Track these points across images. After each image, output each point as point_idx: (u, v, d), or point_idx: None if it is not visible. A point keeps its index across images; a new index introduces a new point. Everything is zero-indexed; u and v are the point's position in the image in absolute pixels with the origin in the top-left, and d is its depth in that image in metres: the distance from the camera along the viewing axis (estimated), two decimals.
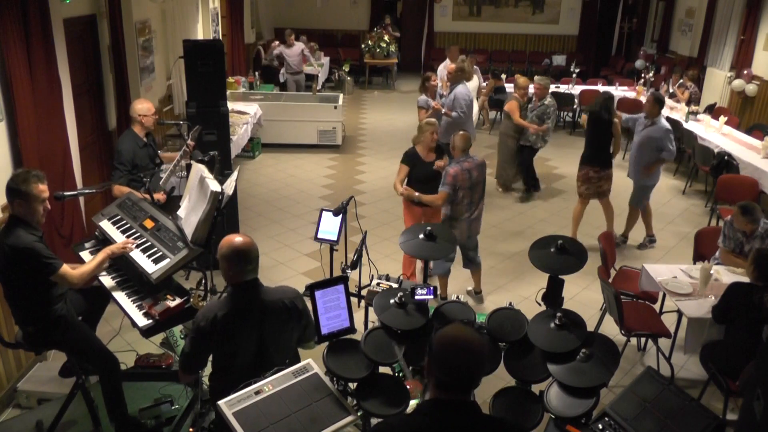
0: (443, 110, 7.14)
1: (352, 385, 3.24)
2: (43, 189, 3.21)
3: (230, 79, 9.94)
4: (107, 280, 3.65)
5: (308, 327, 3.06)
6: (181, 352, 2.91)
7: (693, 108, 9.24)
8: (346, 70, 13.96)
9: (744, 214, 4.64)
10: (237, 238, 2.84)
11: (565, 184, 8.50)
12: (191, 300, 3.34)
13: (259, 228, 6.75)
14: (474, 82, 8.75)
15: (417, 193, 5.12)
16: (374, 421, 3.15)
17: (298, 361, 2.92)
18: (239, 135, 7.87)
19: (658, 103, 6.17)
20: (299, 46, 11.72)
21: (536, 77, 7.72)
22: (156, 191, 4.44)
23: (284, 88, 11.65)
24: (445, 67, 8.81)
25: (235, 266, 2.80)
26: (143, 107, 4.77)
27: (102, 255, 3.49)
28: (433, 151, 5.33)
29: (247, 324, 2.81)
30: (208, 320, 2.76)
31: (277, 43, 12.20)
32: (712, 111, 9.81)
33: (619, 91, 10.99)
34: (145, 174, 4.60)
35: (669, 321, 4.65)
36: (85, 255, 3.87)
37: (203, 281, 3.59)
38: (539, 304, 3.99)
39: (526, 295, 5.33)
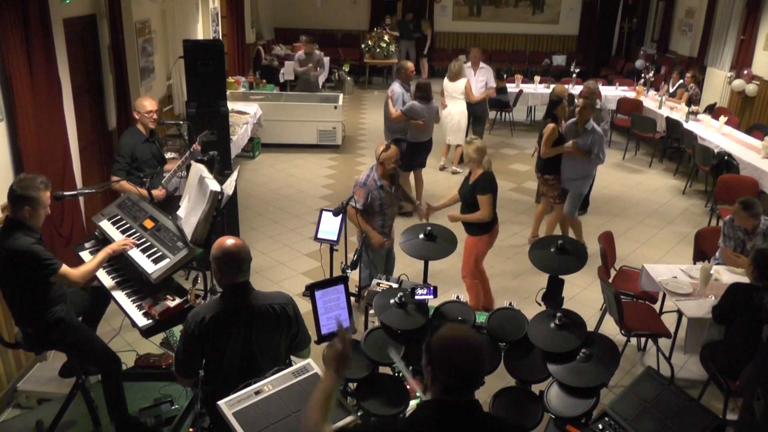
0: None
1: (352, 385, 3.24)
2: (48, 196, 3.23)
3: (230, 79, 9.94)
4: (107, 280, 3.65)
5: (300, 335, 2.98)
6: (175, 354, 2.91)
7: (693, 108, 9.23)
8: (346, 70, 13.95)
9: (746, 209, 4.65)
10: (228, 241, 2.82)
11: None
12: (189, 298, 3.34)
13: (259, 228, 6.75)
14: (460, 83, 8.32)
15: None
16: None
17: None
18: (239, 135, 7.87)
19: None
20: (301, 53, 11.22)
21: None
22: (155, 188, 4.45)
23: (284, 88, 11.60)
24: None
25: (225, 268, 2.79)
26: (140, 104, 4.83)
27: (102, 254, 3.51)
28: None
29: (234, 327, 2.78)
30: (197, 322, 2.75)
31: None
32: (712, 111, 9.80)
33: (619, 91, 10.99)
34: (146, 174, 4.61)
35: (669, 321, 4.65)
36: (85, 255, 3.87)
37: (197, 279, 3.59)
38: (539, 304, 4.00)
39: (526, 295, 5.33)
